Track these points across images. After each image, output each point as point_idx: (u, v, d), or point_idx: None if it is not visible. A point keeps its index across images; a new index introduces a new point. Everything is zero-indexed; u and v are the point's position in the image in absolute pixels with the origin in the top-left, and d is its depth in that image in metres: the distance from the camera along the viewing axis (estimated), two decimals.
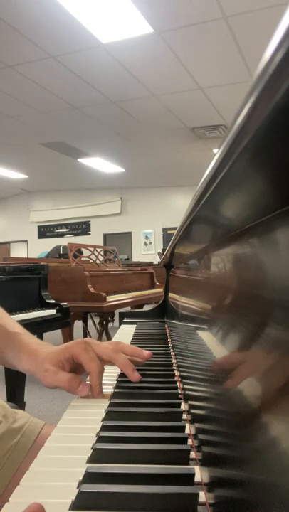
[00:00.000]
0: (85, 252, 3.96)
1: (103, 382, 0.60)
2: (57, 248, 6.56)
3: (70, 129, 6.13)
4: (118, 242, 9.51)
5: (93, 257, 3.75)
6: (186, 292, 0.83)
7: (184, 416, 0.52)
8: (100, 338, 3.47)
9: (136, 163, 8.18)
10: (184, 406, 0.55)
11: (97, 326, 3.66)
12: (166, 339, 1.04)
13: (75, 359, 0.59)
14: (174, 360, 0.80)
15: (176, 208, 9.84)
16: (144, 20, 3.36)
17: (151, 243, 10.37)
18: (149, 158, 7.84)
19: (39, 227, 11.45)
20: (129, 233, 10.60)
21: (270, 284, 0.25)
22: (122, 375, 0.68)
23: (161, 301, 1.47)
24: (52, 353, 0.59)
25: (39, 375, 0.58)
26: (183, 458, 0.41)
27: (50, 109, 5.33)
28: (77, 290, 3.05)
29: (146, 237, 10.44)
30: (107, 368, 0.62)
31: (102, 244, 10.29)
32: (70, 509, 0.33)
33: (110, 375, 0.69)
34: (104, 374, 0.60)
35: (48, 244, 8.73)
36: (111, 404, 0.55)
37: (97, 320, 3.71)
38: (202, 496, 0.34)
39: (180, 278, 1.08)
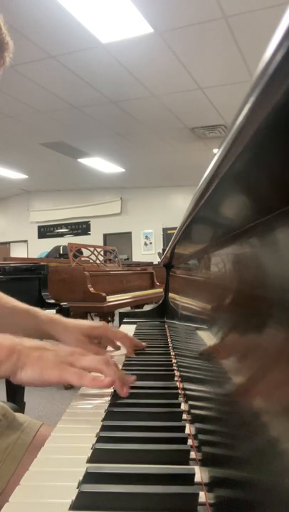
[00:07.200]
0: (85, 252, 3.96)
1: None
2: (57, 248, 6.55)
3: (70, 129, 6.13)
4: (118, 242, 9.49)
5: (93, 257, 3.75)
6: (186, 292, 0.83)
7: (184, 416, 0.52)
8: None
9: (136, 163, 8.17)
10: (184, 406, 0.55)
11: None
12: (166, 339, 1.04)
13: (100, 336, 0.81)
14: (174, 361, 0.80)
15: (176, 207, 9.82)
16: (144, 20, 3.35)
17: (151, 243, 10.36)
18: (149, 158, 7.83)
19: (39, 227, 11.44)
20: (129, 233, 10.59)
21: (270, 284, 0.25)
22: None
23: (161, 301, 1.46)
24: (81, 328, 0.77)
25: (66, 339, 0.76)
26: (183, 458, 0.41)
27: (50, 109, 5.32)
28: (77, 290, 3.05)
29: (146, 237, 10.43)
30: None
31: (102, 244, 10.28)
32: (70, 509, 0.33)
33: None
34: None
35: (48, 244, 8.72)
36: (111, 405, 0.55)
37: (97, 320, 3.71)
38: (202, 496, 0.34)
39: (180, 278, 1.08)
